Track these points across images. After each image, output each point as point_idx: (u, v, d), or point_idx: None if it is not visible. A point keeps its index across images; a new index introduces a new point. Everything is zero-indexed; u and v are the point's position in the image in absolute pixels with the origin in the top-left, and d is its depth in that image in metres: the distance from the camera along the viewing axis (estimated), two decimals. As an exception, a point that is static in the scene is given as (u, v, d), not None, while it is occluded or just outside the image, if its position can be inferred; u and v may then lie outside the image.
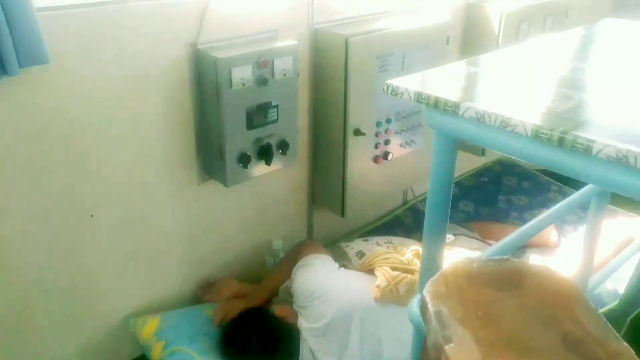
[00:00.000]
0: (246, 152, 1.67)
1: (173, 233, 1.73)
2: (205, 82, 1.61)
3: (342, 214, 2.04)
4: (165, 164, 1.64)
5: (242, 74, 1.59)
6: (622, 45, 1.37)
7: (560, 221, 2.44)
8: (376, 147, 2.03)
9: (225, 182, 1.68)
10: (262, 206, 1.95)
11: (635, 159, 0.73)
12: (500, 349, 0.71)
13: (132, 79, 1.48)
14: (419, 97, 0.94)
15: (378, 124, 2.00)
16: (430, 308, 0.77)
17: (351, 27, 1.90)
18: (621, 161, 0.74)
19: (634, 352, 0.72)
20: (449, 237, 1.98)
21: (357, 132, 1.93)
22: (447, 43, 2.14)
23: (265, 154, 1.71)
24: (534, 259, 2.22)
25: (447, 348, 0.70)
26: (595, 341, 0.73)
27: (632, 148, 0.73)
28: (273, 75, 1.66)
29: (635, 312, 2.12)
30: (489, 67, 1.13)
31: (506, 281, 0.85)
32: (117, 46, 1.43)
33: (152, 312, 1.71)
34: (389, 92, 0.99)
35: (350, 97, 1.86)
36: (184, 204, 1.73)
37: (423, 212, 2.43)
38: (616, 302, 1.89)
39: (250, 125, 1.65)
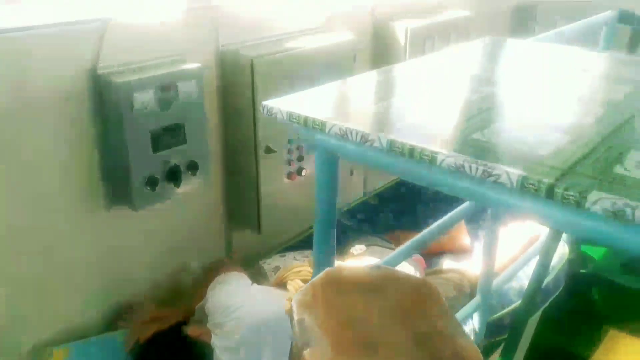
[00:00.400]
0: (154, 175, 1.68)
1: (82, 261, 1.71)
2: (107, 107, 1.61)
3: (259, 231, 2.07)
4: (69, 192, 1.62)
5: (145, 98, 1.60)
6: (490, 62, 1.47)
7: (474, 226, 2.56)
8: (289, 163, 2.08)
9: (133, 207, 1.68)
10: (176, 228, 1.95)
11: (471, 167, 0.80)
12: (353, 349, 0.76)
13: (30, 108, 1.47)
14: (291, 117, 1.00)
15: (289, 141, 2.05)
16: (295, 317, 0.82)
17: (258, 48, 1.95)
18: (459, 170, 0.81)
19: (478, 349, 0.78)
20: (361, 247, 2.05)
21: (268, 150, 1.98)
22: (354, 60, 2.23)
23: (174, 176, 1.73)
24: (448, 264, 2.32)
25: (305, 352, 0.75)
26: (444, 338, 0.79)
27: (467, 158, 0.81)
28: (178, 98, 1.68)
29: (544, 308, 2.25)
30: (362, 85, 1.20)
31: (371, 287, 0.91)
32: (11, 75, 1.42)
33: (62, 342, 1.67)
34: (265, 113, 1.04)
35: (259, 116, 1.90)
36: (92, 231, 1.71)
37: (343, 225, 2.51)
38: (520, 301, 2.00)
39: (157, 148, 1.67)
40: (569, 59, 1.45)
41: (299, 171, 2.11)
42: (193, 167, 1.77)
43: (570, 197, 0.72)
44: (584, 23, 2.10)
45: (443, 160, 0.83)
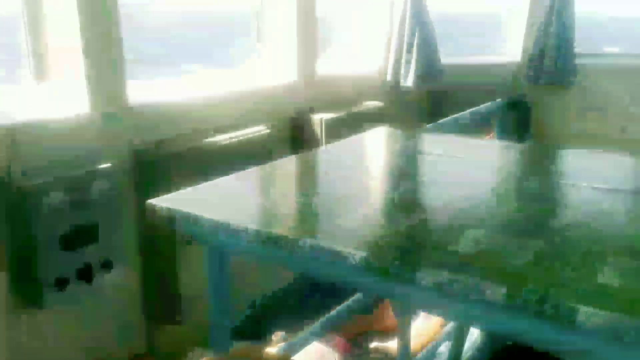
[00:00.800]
0: (64, 275, 1.68)
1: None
2: (17, 210, 1.64)
3: (181, 323, 2.06)
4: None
5: (55, 200, 1.64)
6: (368, 152, 1.61)
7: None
8: (209, 254, 2.12)
9: (43, 307, 1.67)
10: (92, 326, 1.92)
11: (324, 251, 0.88)
12: None
13: None
14: (169, 213, 1.07)
15: (208, 233, 2.10)
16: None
17: (174, 144, 2.04)
18: (316, 254, 0.89)
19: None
20: (281, 333, 2.06)
21: (189, 242, 2.02)
22: (270, 153, 2.34)
23: (86, 274, 1.74)
24: (374, 344, 2.35)
25: None
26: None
27: (320, 243, 0.89)
28: (89, 198, 1.72)
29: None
30: (249, 178, 1.30)
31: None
32: None
33: None
34: (149, 210, 1.10)
35: (175, 210, 1.96)
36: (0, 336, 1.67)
37: (273, 313, 2.52)
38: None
39: (68, 247, 1.69)
40: (436, 146, 1.61)
41: (219, 261, 2.14)
42: (107, 264, 1.79)
43: (404, 273, 0.81)
44: (478, 110, 2.31)
45: (301, 246, 0.90)
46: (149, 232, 2.04)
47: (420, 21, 3.13)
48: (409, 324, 1.93)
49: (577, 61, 3.13)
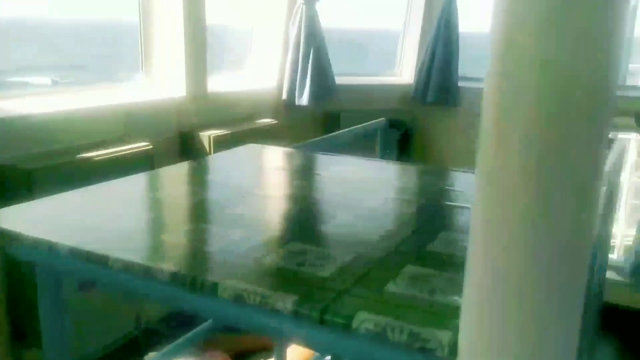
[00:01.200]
0: None
1: None
2: None
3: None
4: None
5: None
6: (233, 168, 1.61)
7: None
8: (80, 274, 2.03)
9: None
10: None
11: (144, 270, 0.87)
12: None
13: None
14: (-12, 231, 1.02)
15: (80, 252, 2.02)
16: None
17: (41, 160, 1.95)
18: (128, 270, 0.87)
19: None
20: (154, 354, 2.01)
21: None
22: (152, 168, 2.29)
23: None
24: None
25: None
26: None
27: (146, 262, 0.87)
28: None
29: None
30: (87, 196, 1.27)
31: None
32: None
33: None
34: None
35: (40, 229, 1.87)
36: None
37: (161, 334, 2.44)
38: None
39: None
40: (299, 163, 1.64)
41: (93, 282, 2.06)
42: (-43, 287, 1.67)
43: (207, 286, 0.81)
44: (359, 128, 2.38)
45: (112, 264, 0.88)
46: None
47: (314, 41, 3.20)
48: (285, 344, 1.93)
49: (462, 84, 3.32)
